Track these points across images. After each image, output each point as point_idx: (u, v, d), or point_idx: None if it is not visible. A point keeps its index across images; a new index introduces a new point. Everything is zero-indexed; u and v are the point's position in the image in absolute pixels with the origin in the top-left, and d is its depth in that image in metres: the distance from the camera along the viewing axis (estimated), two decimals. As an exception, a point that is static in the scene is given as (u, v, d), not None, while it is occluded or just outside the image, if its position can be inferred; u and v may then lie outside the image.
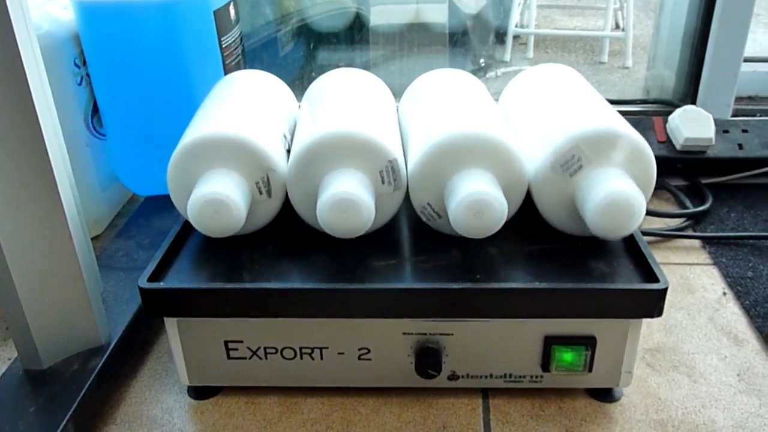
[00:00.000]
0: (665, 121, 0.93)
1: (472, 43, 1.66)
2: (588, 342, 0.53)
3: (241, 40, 0.87)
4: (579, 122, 0.55)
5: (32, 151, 0.51)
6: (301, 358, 0.55)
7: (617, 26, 2.28)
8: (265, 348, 0.55)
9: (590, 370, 0.54)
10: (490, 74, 1.73)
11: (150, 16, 0.74)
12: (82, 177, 0.75)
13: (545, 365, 0.54)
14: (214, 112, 0.59)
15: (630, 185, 0.50)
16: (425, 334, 0.54)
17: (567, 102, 0.61)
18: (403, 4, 1.50)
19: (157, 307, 0.53)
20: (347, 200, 0.50)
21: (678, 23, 1.02)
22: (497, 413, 0.56)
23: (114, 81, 0.78)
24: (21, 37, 0.49)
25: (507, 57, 2.14)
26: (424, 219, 0.57)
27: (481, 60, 1.72)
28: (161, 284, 0.53)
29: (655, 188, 0.55)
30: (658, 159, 0.55)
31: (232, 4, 0.83)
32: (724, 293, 0.72)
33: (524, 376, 0.56)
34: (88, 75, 0.78)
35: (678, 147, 0.89)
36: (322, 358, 0.55)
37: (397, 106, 0.69)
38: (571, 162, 0.53)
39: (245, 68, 0.83)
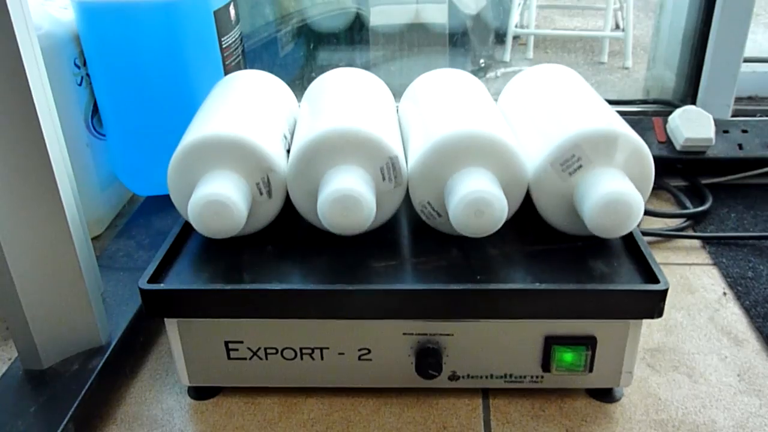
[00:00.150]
0: (665, 122, 0.93)
1: (471, 44, 1.67)
2: (588, 342, 0.53)
3: (241, 40, 0.87)
4: (580, 122, 0.55)
5: (32, 152, 0.51)
6: (302, 358, 0.55)
7: (617, 26, 2.28)
8: (265, 348, 0.55)
9: (590, 370, 0.54)
10: (490, 74, 1.73)
11: (150, 16, 0.74)
12: (83, 177, 0.75)
13: (545, 365, 0.54)
14: (215, 113, 0.59)
15: (628, 185, 0.51)
16: (426, 334, 0.54)
17: (567, 102, 0.61)
18: (403, 4, 1.50)
19: (157, 307, 0.53)
20: (348, 197, 0.50)
21: (678, 23, 1.02)
22: (497, 413, 0.56)
23: (114, 81, 0.77)
24: (21, 38, 0.49)
25: (507, 57, 2.14)
26: (424, 218, 0.57)
27: (481, 60, 1.72)
28: (161, 285, 0.53)
29: (655, 188, 0.55)
30: (658, 159, 0.55)
31: (232, 4, 0.83)
32: (725, 293, 0.72)
33: (524, 377, 0.56)
34: (88, 75, 0.78)
35: (678, 147, 0.89)
36: (322, 358, 0.55)
37: (397, 106, 0.69)
38: (571, 161, 0.53)
39: (245, 68, 0.83)
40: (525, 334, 0.54)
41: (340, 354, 0.55)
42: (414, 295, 0.52)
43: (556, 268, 0.54)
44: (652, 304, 0.51)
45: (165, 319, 0.54)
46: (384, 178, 0.54)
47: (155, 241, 0.75)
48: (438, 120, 0.57)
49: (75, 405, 0.53)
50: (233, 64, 0.83)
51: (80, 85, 0.78)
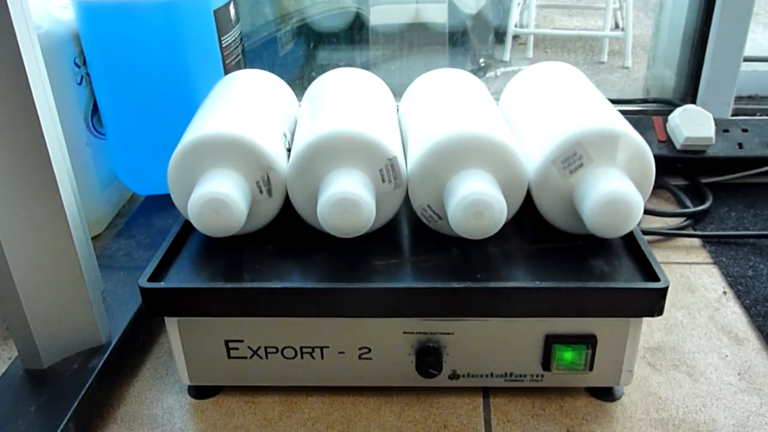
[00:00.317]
0: (665, 121, 0.93)
1: (471, 43, 1.67)
2: (589, 341, 0.53)
3: (241, 39, 0.87)
4: (582, 120, 0.55)
5: (33, 151, 0.51)
6: (302, 357, 0.55)
7: (617, 26, 2.28)
8: (265, 347, 0.55)
9: (591, 369, 0.54)
10: (490, 74, 1.73)
11: (150, 15, 0.74)
12: (82, 176, 0.75)
13: (546, 364, 0.54)
14: (215, 112, 0.59)
15: (628, 185, 0.51)
16: (426, 333, 0.54)
17: (569, 100, 0.61)
18: (403, 4, 1.50)
19: (157, 306, 0.53)
20: (348, 200, 0.50)
21: (678, 23, 1.02)
22: (498, 412, 0.56)
23: (114, 80, 0.77)
24: (22, 37, 0.49)
25: (506, 57, 2.14)
26: (424, 221, 0.57)
27: (481, 60, 1.72)
28: (162, 284, 0.53)
29: (656, 187, 0.55)
30: (658, 158, 0.55)
31: (232, 3, 0.83)
32: (725, 292, 0.72)
33: (525, 375, 0.56)
34: (88, 74, 0.78)
35: (678, 146, 0.89)
36: (322, 357, 0.55)
37: (397, 106, 0.69)
38: (573, 159, 0.53)
39: (245, 68, 0.83)
40: (525, 333, 0.54)
41: (340, 353, 0.55)
42: (414, 294, 0.52)
43: (556, 266, 0.54)
44: (653, 303, 0.51)
45: (165, 318, 0.54)
46: (384, 180, 0.54)
47: (155, 241, 0.75)
48: (437, 121, 0.57)
49: (75, 404, 0.53)
50: (233, 63, 0.83)
51: (80, 84, 0.78)
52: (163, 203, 0.81)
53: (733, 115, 0.98)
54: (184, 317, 0.54)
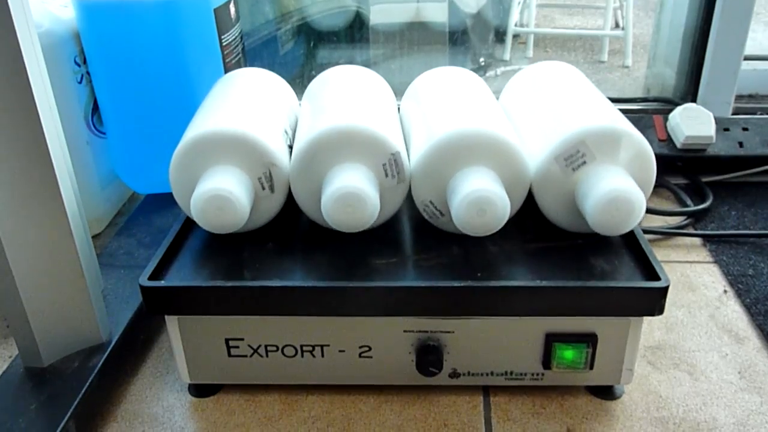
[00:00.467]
0: (666, 120, 0.93)
1: (471, 42, 1.67)
2: (589, 339, 0.53)
3: (242, 38, 0.87)
4: (585, 118, 0.55)
5: (33, 150, 0.51)
6: (302, 355, 0.55)
7: (617, 25, 2.28)
8: (265, 346, 0.55)
9: (591, 367, 0.54)
10: (490, 73, 1.73)
11: (150, 14, 0.74)
12: (83, 175, 0.75)
13: (546, 363, 0.54)
14: (216, 110, 0.59)
15: (631, 183, 0.51)
16: (426, 331, 0.54)
17: (570, 99, 0.61)
18: (403, 2, 1.50)
19: (158, 305, 0.53)
20: (352, 194, 0.50)
21: (678, 21, 1.02)
22: (498, 411, 0.56)
23: (114, 79, 0.77)
24: (22, 35, 0.49)
25: (507, 56, 2.14)
26: (426, 217, 0.57)
27: (481, 59, 1.72)
28: (162, 282, 0.53)
29: (656, 186, 0.55)
30: (658, 157, 0.55)
31: (232, 2, 0.83)
32: (725, 291, 0.72)
33: (525, 374, 0.56)
34: (88, 73, 0.78)
35: (678, 145, 0.89)
36: (323, 355, 0.55)
37: (398, 105, 0.69)
38: (575, 157, 0.53)
39: (245, 66, 0.83)
40: (526, 332, 0.54)
41: (340, 351, 0.55)
42: (415, 293, 0.52)
43: (556, 265, 0.54)
44: (653, 302, 0.51)
45: (165, 317, 0.54)
46: (387, 175, 0.54)
47: (155, 239, 0.75)
48: (440, 118, 0.57)
49: (75, 402, 0.53)
50: (233, 62, 0.83)
51: (80, 83, 0.77)
52: (163, 202, 0.81)
53: (733, 114, 0.98)
54: (184, 315, 0.54)
